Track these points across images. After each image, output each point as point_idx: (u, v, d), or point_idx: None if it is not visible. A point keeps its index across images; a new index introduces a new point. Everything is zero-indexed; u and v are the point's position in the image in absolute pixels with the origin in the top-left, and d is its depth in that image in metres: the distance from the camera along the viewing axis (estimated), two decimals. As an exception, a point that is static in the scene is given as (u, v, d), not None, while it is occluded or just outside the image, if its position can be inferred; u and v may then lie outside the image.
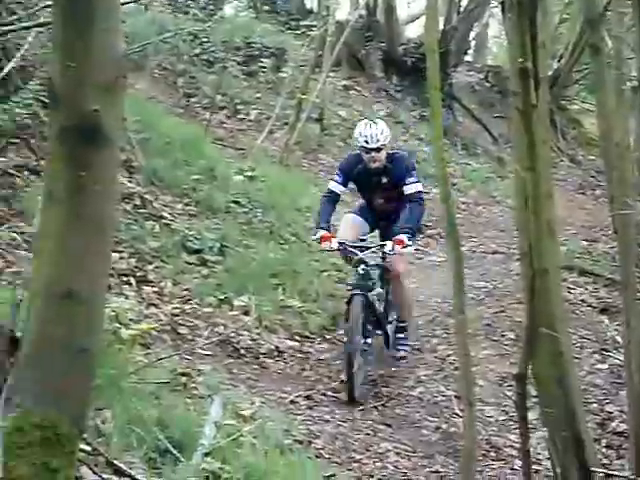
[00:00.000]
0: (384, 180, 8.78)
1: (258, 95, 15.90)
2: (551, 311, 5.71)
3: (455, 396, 8.46)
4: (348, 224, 9.08)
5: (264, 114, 15.06)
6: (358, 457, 7.32)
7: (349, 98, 18.27)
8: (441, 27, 17.10)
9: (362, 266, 8.52)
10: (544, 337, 5.68)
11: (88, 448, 3.65)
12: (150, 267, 9.23)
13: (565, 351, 5.83)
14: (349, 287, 8.75)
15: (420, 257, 12.28)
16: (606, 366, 9.36)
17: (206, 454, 4.99)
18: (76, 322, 3.29)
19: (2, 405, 3.22)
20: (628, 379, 5.66)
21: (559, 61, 18.46)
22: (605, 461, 7.38)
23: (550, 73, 17.25)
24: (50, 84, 3.32)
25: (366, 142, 8.53)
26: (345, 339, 8.42)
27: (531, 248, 5.64)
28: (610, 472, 5.49)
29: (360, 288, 8.46)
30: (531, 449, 6.56)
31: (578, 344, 9.74)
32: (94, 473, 3.63)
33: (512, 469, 7.68)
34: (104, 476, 3.64)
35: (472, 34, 19.53)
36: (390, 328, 9.21)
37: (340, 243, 8.61)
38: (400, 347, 9.27)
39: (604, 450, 7.92)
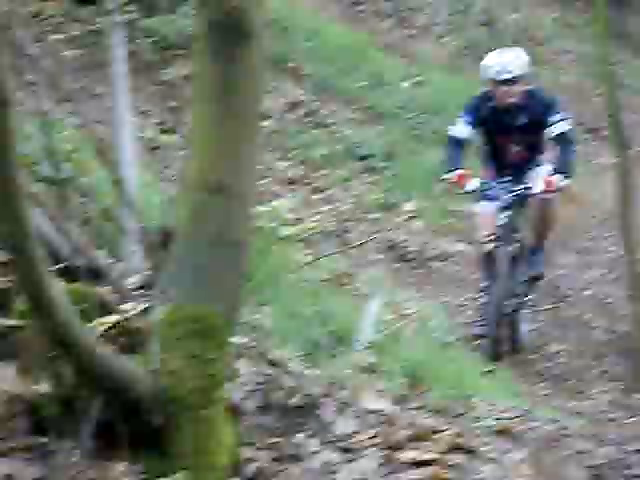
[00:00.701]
0: (521, 121, 7.24)
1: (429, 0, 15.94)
2: None
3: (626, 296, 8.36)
4: (482, 219, 7.49)
5: (432, 19, 14.92)
6: (529, 357, 7.44)
7: (519, 1, 17.99)
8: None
9: (506, 214, 7.26)
10: None
11: (244, 341, 3.76)
12: (318, 174, 9.53)
13: None
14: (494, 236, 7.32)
15: (589, 160, 11.99)
16: None
17: (364, 348, 5.07)
18: (227, 215, 3.34)
19: (157, 299, 3.34)
20: None
21: None
22: None
23: None
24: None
25: (497, 72, 7.04)
26: (487, 302, 7.32)
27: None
28: None
29: (505, 240, 7.22)
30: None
31: None
32: (249, 366, 3.73)
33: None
34: (262, 368, 3.75)
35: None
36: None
37: (484, 182, 7.30)
38: (534, 266, 7.80)
39: None
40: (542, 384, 7.34)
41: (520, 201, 7.26)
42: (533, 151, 7.38)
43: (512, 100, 7.01)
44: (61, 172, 3.80)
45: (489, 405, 4.89)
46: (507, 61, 7.00)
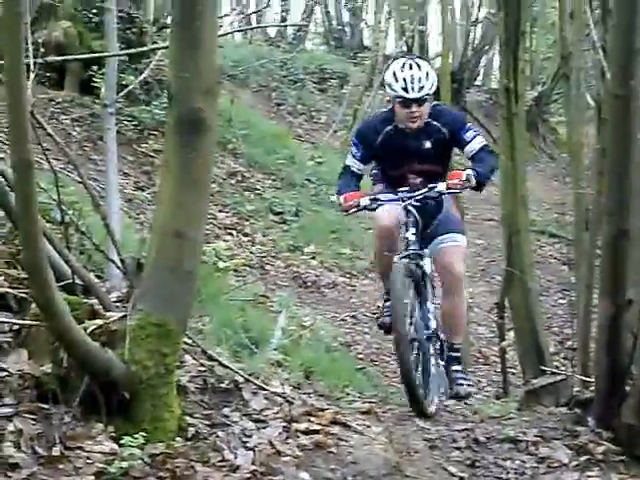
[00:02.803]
0: (426, 145, 4.34)
1: (327, 105, 15.90)
2: (522, 260, 5.72)
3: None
4: (382, 214, 4.38)
5: (331, 118, 14.98)
6: (387, 359, 7.41)
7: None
8: (459, 60, 17.10)
9: (409, 220, 4.27)
10: (518, 278, 5.70)
11: (190, 341, 3.70)
12: (246, 223, 9.55)
13: (532, 288, 5.84)
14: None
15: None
16: (565, 301, 9.25)
17: (274, 349, 5.01)
18: (181, 252, 3.27)
19: (131, 309, 3.28)
20: (578, 309, 5.62)
21: (543, 85, 18.09)
22: (562, 368, 7.38)
23: (536, 94, 17.26)
24: (168, 89, 3.35)
25: (405, 90, 4.18)
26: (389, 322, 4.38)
27: (509, 215, 5.66)
28: (555, 371, 5.27)
29: (407, 255, 4.27)
30: (509, 357, 6.61)
31: (546, 286, 9.82)
32: (193, 359, 3.69)
33: (496, 371, 7.66)
34: (201, 361, 3.70)
35: (482, 64, 18.99)
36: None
37: (373, 199, 4.30)
38: (460, 382, 4.54)
39: (562, 360, 7.89)
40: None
41: (424, 207, 4.30)
42: (434, 182, 4.32)
43: (417, 124, 4.24)
44: (66, 216, 3.73)
45: (358, 393, 4.84)
46: (417, 76, 4.16)
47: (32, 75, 3.19)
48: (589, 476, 3.44)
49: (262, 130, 12.18)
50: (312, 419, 3.63)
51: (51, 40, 8.25)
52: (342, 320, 8.15)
